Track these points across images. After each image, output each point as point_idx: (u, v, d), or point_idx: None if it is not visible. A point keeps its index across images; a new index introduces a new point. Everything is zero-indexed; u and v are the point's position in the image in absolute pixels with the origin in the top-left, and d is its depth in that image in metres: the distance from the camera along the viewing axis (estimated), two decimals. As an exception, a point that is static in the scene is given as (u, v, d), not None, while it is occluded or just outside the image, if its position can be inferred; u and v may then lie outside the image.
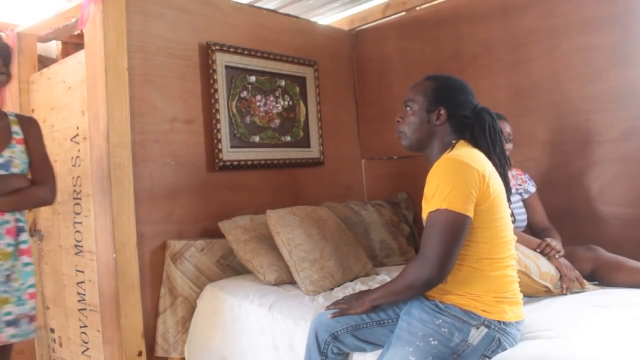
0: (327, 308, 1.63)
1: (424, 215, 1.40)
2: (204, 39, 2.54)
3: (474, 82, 2.73)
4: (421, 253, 1.34)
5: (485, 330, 1.33)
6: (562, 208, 2.37)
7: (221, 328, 2.12)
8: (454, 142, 1.47)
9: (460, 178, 1.32)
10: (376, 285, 2.12)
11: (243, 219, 2.39)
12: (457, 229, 1.30)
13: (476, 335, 1.33)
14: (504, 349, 1.34)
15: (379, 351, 1.49)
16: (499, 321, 1.34)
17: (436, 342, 1.32)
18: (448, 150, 1.45)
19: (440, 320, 1.35)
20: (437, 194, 1.32)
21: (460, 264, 1.37)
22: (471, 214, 1.32)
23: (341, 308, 1.58)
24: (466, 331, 1.33)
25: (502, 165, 1.48)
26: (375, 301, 1.51)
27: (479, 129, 1.47)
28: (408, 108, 1.54)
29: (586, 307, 1.65)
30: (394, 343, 1.39)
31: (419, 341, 1.34)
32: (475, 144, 1.46)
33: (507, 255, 1.40)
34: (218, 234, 2.37)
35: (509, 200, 1.48)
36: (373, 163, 3.31)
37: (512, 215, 1.52)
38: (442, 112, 1.48)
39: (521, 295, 1.45)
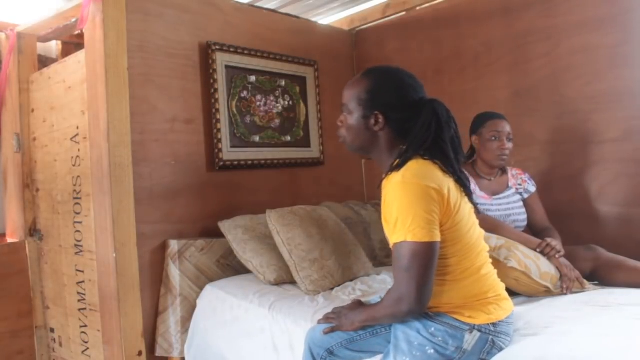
0: (319, 322, 1.62)
1: (388, 237, 1.34)
2: (204, 38, 2.54)
3: (474, 82, 2.80)
4: (396, 287, 1.29)
5: (479, 334, 1.32)
6: (562, 208, 2.37)
7: (221, 328, 2.12)
8: (402, 147, 1.37)
9: (419, 205, 1.24)
10: (377, 285, 2.14)
11: (243, 219, 2.39)
12: (427, 258, 1.25)
13: (470, 340, 1.32)
14: (500, 349, 1.35)
15: (377, 357, 1.49)
16: (489, 324, 1.34)
17: (433, 351, 1.32)
18: (398, 162, 1.34)
19: (433, 329, 1.33)
20: (399, 225, 1.26)
21: (435, 279, 1.32)
22: (438, 238, 1.27)
23: (332, 324, 1.55)
24: (460, 337, 1.32)
25: (458, 161, 1.37)
26: (364, 323, 1.48)
27: (421, 127, 1.34)
28: (346, 112, 1.45)
29: (586, 307, 1.65)
30: (392, 354, 1.39)
31: (416, 351, 1.33)
32: (427, 150, 1.34)
33: (478, 257, 1.37)
34: (218, 234, 2.37)
35: (469, 195, 1.40)
36: (373, 163, 3.30)
37: (476, 208, 1.45)
38: (380, 117, 1.38)
39: (503, 286, 1.42)
